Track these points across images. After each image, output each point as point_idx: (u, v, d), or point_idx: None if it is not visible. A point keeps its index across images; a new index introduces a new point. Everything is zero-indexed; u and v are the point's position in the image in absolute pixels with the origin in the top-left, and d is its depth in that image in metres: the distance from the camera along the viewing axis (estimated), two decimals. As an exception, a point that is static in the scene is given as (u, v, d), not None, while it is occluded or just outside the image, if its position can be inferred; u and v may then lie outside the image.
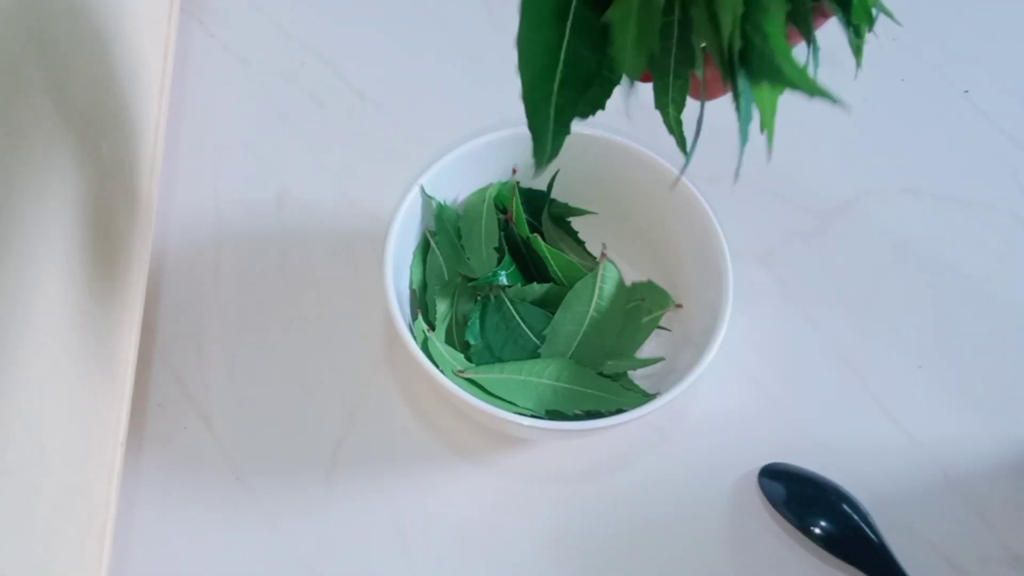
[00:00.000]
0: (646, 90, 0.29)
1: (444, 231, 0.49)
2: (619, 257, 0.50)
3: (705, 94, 0.29)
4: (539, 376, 0.45)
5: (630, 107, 0.27)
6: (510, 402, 0.44)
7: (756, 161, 0.30)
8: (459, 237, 0.49)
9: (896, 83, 0.62)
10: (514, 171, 0.50)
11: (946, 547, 0.48)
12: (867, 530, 0.47)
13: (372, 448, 0.50)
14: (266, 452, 0.49)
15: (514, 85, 0.28)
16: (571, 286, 0.47)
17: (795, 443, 0.50)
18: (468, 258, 0.49)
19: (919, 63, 0.63)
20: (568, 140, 0.29)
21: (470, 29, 0.60)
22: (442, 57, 0.59)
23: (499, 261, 0.48)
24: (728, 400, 0.51)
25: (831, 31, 0.31)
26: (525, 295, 0.48)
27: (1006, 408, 0.52)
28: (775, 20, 0.25)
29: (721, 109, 0.30)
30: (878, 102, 0.61)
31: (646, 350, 0.49)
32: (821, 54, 0.30)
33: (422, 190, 0.47)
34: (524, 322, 0.48)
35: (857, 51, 0.30)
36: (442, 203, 0.48)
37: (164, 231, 0.53)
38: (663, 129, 0.31)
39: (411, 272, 0.49)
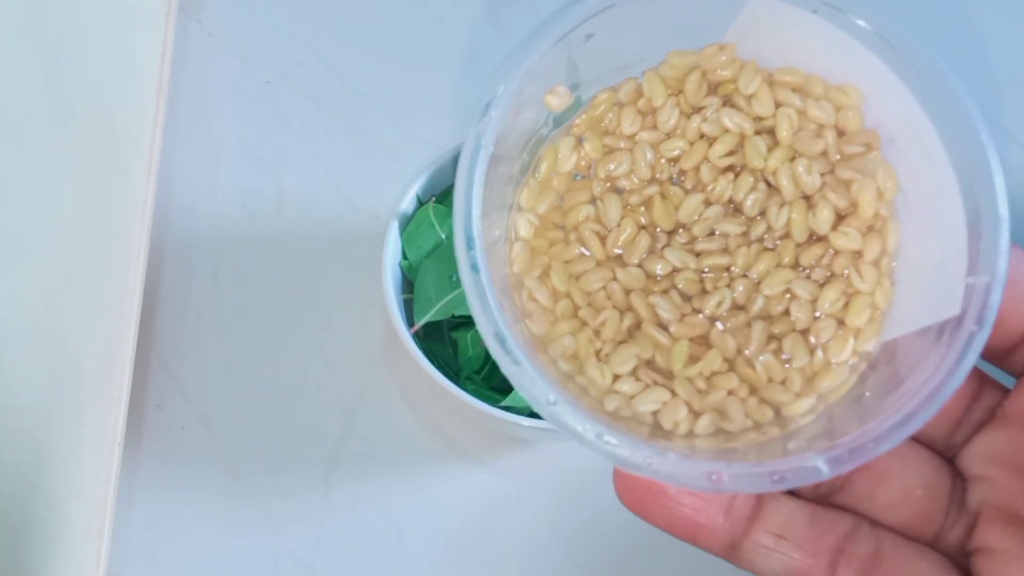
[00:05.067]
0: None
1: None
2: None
3: None
4: None
5: None
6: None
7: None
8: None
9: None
10: None
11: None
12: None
13: (371, 448, 0.49)
14: (264, 452, 0.49)
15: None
16: None
17: (796, 443, 0.50)
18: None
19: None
20: None
21: (470, 29, 0.60)
22: (442, 58, 0.59)
23: None
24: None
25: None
26: None
27: None
28: None
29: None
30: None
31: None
32: None
33: (417, 197, 0.46)
34: None
35: None
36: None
37: (161, 231, 0.53)
38: None
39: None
